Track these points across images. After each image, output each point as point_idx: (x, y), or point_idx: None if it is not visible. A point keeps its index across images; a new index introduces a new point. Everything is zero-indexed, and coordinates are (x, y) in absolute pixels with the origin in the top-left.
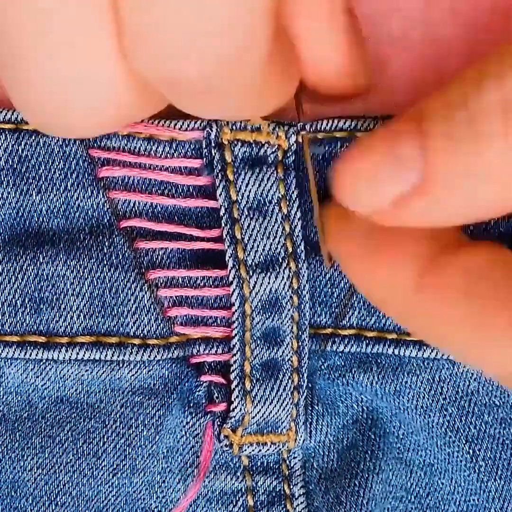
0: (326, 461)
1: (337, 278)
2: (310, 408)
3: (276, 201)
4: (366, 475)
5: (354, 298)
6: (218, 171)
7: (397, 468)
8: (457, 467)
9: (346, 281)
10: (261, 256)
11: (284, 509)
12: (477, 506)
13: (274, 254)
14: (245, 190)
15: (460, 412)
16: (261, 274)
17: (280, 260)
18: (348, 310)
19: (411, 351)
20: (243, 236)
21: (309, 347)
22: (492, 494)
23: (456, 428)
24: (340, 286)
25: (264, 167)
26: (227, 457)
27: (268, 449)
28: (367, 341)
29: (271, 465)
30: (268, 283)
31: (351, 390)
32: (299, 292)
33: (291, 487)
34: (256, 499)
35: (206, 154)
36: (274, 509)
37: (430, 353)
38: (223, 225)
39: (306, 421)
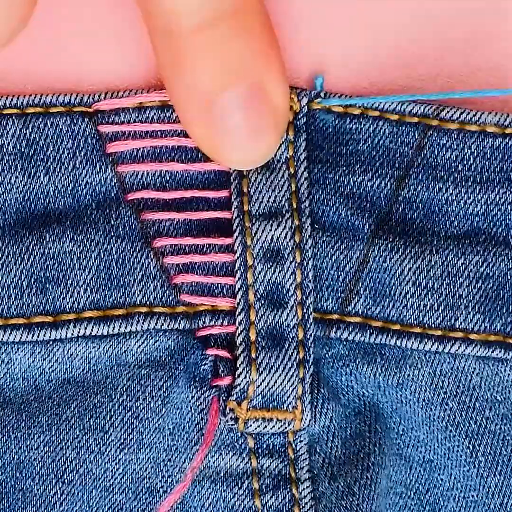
0: (330, 447)
1: (342, 261)
2: (315, 391)
3: (284, 160)
4: (377, 469)
5: (360, 285)
6: None
7: (397, 464)
8: (456, 462)
9: (352, 264)
10: (265, 207)
11: (289, 493)
12: (476, 502)
13: (279, 207)
14: None
15: (460, 407)
16: (263, 222)
17: (284, 212)
18: (354, 296)
19: (413, 343)
20: (249, 189)
21: (315, 332)
22: (492, 489)
23: (456, 423)
24: (346, 270)
25: None
26: (233, 437)
27: (273, 426)
28: (372, 331)
29: (277, 448)
30: (270, 230)
31: (354, 383)
32: (301, 247)
33: (297, 471)
34: (262, 482)
35: None
36: (279, 493)
37: (432, 346)
38: (232, 180)
39: (312, 404)
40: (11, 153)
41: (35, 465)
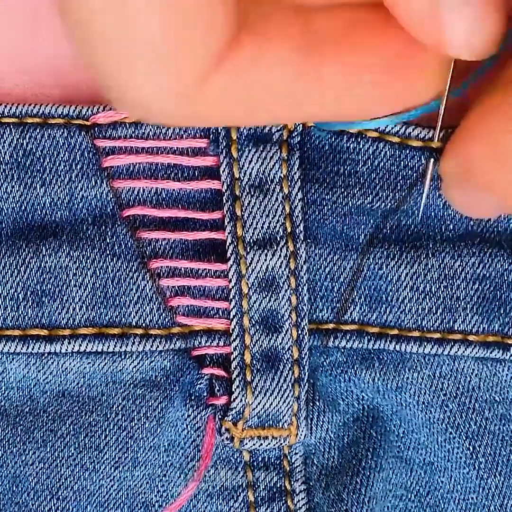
0: (326, 458)
1: (337, 272)
2: (311, 404)
3: (277, 180)
4: (368, 473)
5: (355, 293)
6: (223, 148)
7: (397, 467)
8: (456, 464)
9: (346, 275)
10: (260, 234)
11: (285, 505)
12: (476, 504)
13: (273, 233)
14: (247, 168)
15: (460, 408)
16: (258, 251)
17: (278, 239)
18: (349, 305)
19: (412, 347)
20: (243, 213)
21: (311, 343)
22: (492, 491)
23: (456, 425)
24: (340, 280)
25: (268, 145)
26: (228, 452)
27: (269, 444)
28: (369, 337)
29: (272, 460)
30: (265, 260)
31: (352, 388)
32: (296, 273)
33: (292, 483)
34: (257, 494)
35: (213, 131)
36: (274, 505)
37: (431, 349)
38: (224, 201)
39: (307, 417)
40: (8, 162)
41: (30, 480)
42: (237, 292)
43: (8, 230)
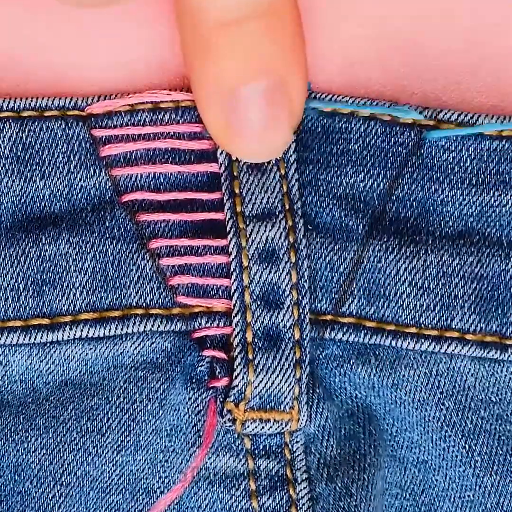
0: (325, 446)
1: (336, 262)
2: (311, 391)
3: (274, 162)
4: (373, 471)
5: (354, 285)
6: None
7: (391, 466)
8: (452, 463)
9: (346, 265)
10: (258, 209)
11: (287, 494)
12: (472, 502)
13: (272, 208)
14: None
15: (456, 407)
16: (258, 223)
17: (277, 213)
18: (348, 297)
19: (409, 343)
20: (241, 190)
21: (309, 331)
22: (488, 489)
23: (452, 423)
24: (340, 271)
25: None
26: (230, 439)
27: (271, 427)
28: (366, 331)
29: (274, 448)
30: (265, 231)
31: (347, 385)
32: (296, 247)
33: (294, 471)
34: (259, 483)
35: None
36: (277, 493)
37: (428, 346)
38: (222, 181)
39: (308, 404)
40: (8, 157)
41: (33, 467)
42: (237, 265)
43: (8, 223)
